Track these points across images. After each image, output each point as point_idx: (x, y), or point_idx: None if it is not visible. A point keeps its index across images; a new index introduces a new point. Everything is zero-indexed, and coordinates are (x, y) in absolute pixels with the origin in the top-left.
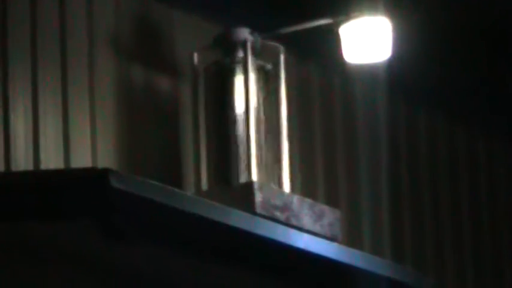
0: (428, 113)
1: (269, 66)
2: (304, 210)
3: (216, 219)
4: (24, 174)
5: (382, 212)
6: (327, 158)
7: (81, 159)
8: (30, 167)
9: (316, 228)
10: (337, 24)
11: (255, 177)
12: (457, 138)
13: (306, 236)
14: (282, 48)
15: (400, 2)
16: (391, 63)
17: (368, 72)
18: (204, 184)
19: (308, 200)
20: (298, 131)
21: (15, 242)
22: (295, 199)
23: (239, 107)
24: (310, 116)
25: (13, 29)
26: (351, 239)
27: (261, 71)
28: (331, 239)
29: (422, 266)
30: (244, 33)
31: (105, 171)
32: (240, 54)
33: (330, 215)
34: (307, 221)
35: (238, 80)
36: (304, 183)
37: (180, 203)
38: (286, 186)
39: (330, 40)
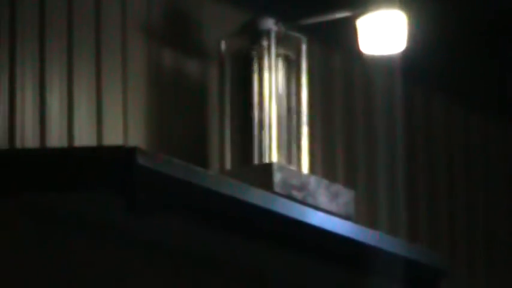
0: (442, 98)
1: (292, 55)
2: (320, 190)
3: (236, 196)
4: (58, 150)
5: (398, 193)
6: (347, 142)
7: (113, 137)
8: (64, 143)
9: (332, 207)
10: (355, 17)
11: (274, 158)
12: (471, 121)
13: (320, 214)
14: (304, 38)
15: None
16: (406, 53)
17: (386, 62)
18: (228, 163)
19: (324, 181)
20: (320, 116)
21: (47, 210)
22: (312, 179)
23: (262, 92)
24: (331, 102)
25: (50, 16)
26: (368, 218)
27: (284, 59)
28: (346, 217)
29: (436, 245)
30: (269, 23)
31: (133, 150)
32: (265, 42)
33: (345, 195)
34: (322, 200)
35: (262, 66)
36: (324, 165)
37: (202, 181)
38: (305, 168)
39: (350, 31)
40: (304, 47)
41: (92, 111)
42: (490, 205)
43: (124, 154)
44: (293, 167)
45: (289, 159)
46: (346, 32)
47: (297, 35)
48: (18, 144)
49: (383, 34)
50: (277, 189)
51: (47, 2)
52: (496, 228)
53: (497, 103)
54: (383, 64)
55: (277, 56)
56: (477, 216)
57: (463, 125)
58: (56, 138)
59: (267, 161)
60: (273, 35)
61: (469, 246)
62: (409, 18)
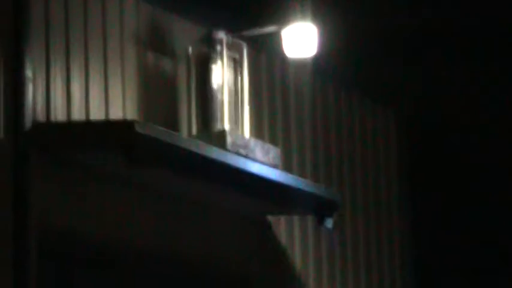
0: (335, 90)
1: (237, 56)
2: (257, 148)
3: (201, 153)
4: (82, 123)
5: (306, 148)
6: (271, 115)
7: (116, 113)
8: (83, 117)
9: (265, 160)
10: (280, 29)
11: (227, 126)
12: (354, 106)
13: (258, 164)
14: (245, 44)
15: (324, 12)
16: (315, 56)
17: (300, 62)
18: (194, 130)
19: (260, 141)
20: (254, 98)
21: (75, 164)
22: (252, 141)
23: (217, 82)
24: (260, 89)
25: (74, 33)
26: (285, 166)
27: (231, 59)
28: (274, 167)
29: (331, 184)
30: (221, 34)
31: (132, 122)
32: (219, 47)
33: (273, 151)
34: (259, 155)
35: (217, 64)
36: (257, 131)
37: (178, 142)
38: (247, 133)
39: (276, 39)
40: (245, 51)
41: (101, 96)
42: (367, 160)
43: (126, 124)
44: (239, 132)
45: (236, 127)
46: (273, 39)
47: (240, 42)
48: (52, 118)
49: (300, 41)
50: (229, 148)
51: (70, 27)
52: (369, 175)
53: (393, 95)
54: (298, 64)
55: (227, 57)
56: (357, 167)
57: (348, 106)
58: (77, 114)
59: (221, 128)
60: (224, 43)
61: (352, 185)
62: (319, 29)
